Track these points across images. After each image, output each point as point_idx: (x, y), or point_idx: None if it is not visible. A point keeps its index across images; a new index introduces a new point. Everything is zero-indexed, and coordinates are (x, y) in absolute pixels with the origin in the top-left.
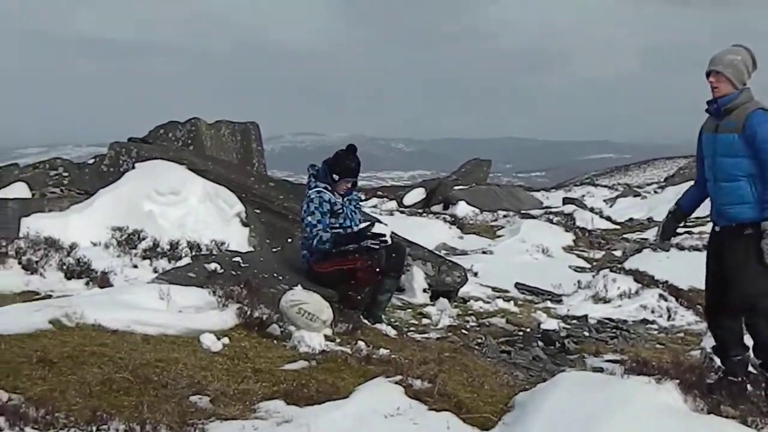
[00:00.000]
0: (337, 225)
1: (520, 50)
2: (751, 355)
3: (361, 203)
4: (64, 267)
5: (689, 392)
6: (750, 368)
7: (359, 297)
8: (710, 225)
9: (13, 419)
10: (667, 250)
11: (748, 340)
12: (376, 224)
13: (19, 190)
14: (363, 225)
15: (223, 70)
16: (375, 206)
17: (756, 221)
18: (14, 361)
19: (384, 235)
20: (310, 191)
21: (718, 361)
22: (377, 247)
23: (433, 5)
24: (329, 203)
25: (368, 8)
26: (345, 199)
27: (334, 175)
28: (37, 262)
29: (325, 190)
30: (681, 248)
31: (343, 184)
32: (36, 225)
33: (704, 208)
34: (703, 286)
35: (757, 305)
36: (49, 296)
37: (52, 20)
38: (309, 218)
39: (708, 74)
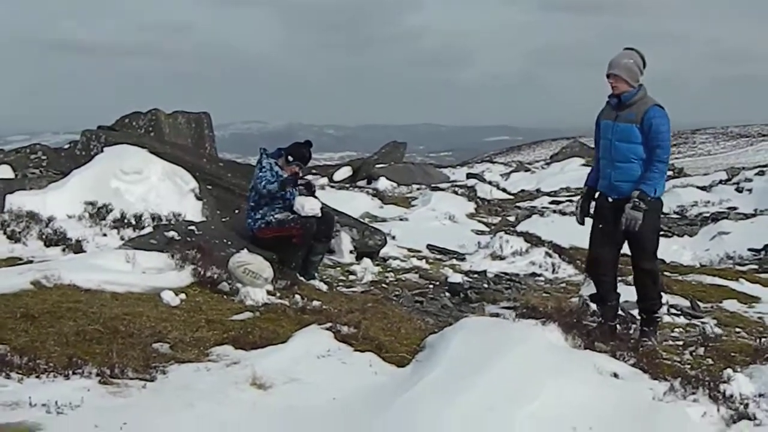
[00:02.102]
0: (280, 199)
1: (434, 50)
2: (621, 300)
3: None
4: (44, 236)
5: (569, 332)
6: (620, 312)
7: (296, 258)
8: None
9: (0, 366)
10: (583, 224)
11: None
12: (310, 197)
13: (4, 172)
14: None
15: (180, 68)
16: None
17: (647, 194)
18: (0, 316)
19: (312, 213)
20: (264, 162)
21: (593, 306)
22: (311, 216)
23: (362, 14)
24: (277, 174)
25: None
26: (290, 179)
27: (289, 157)
28: (20, 232)
29: (275, 165)
30: (563, 213)
31: (294, 167)
32: (19, 201)
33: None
34: (581, 245)
35: (650, 265)
36: (31, 261)
37: (34, 26)
38: (261, 173)
39: (608, 76)
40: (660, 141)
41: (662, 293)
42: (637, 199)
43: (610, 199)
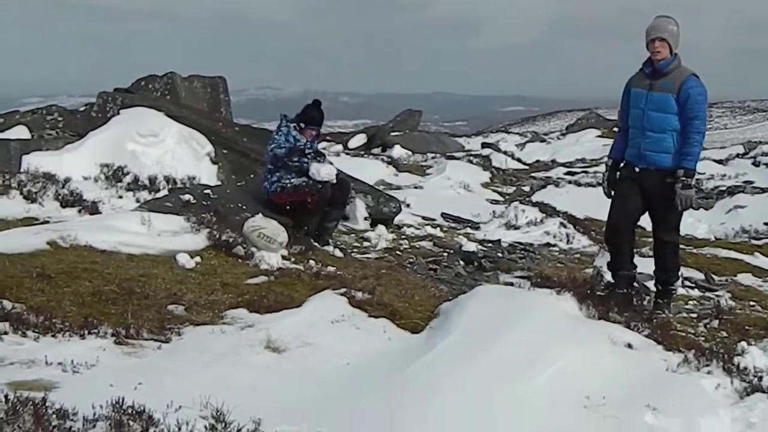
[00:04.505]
0: (298, 162)
1: (448, 17)
2: (637, 272)
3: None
4: (60, 197)
5: (583, 302)
6: (635, 283)
7: (311, 223)
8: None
9: (17, 325)
10: (610, 197)
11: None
12: (326, 163)
13: (20, 132)
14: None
15: (197, 33)
16: (324, 149)
17: (673, 169)
18: (17, 276)
19: (328, 179)
20: (282, 127)
21: (607, 276)
22: (326, 182)
23: None
24: (295, 138)
25: None
26: (309, 144)
27: (302, 124)
28: (36, 192)
29: (294, 129)
30: (578, 184)
31: (309, 131)
32: (35, 162)
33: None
34: (595, 216)
35: (672, 237)
36: (47, 222)
37: None
38: (276, 136)
39: (653, 40)
40: (698, 112)
41: (680, 266)
42: (684, 177)
43: (637, 169)
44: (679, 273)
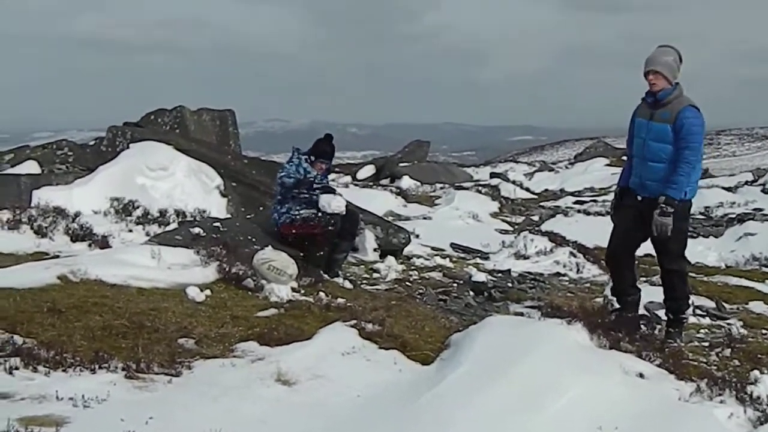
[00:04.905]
0: (308, 194)
1: (456, 47)
2: (642, 296)
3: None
4: (70, 231)
5: (594, 331)
6: (641, 309)
7: (320, 255)
8: (612, 195)
9: (28, 359)
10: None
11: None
12: (336, 195)
13: (30, 167)
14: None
15: (205, 66)
16: (333, 180)
17: (674, 198)
18: (28, 310)
19: (338, 211)
20: (293, 158)
21: (614, 302)
22: (336, 214)
23: (382, 12)
24: (305, 170)
25: (326, 16)
26: (320, 177)
27: (311, 157)
28: (46, 227)
29: (305, 161)
30: (587, 213)
31: (319, 164)
32: (45, 196)
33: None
34: (605, 245)
35: (677, 266)
36: (57, 256)
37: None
38: (287, 165)
39: (647, 73)
40: (689, 142)
41: (690, 294)
42: (664, 205)
43: (639, 197)
44: (690, 301)
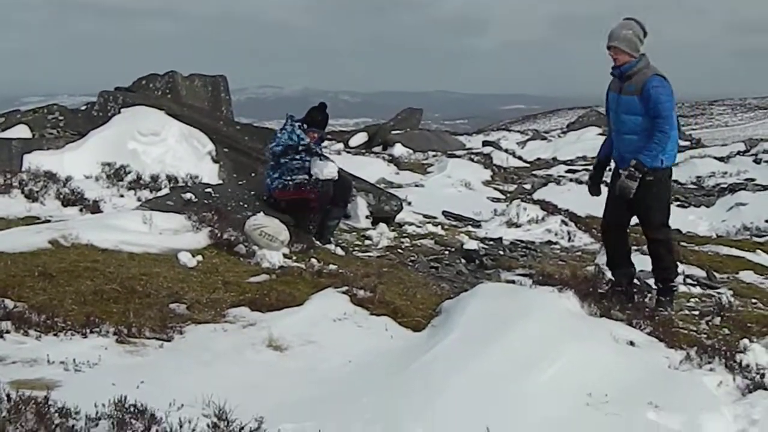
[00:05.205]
0: (300, 160)
1: (450, 17)
2: (636, 269)
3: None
4: (61, 196)
5: (585, 299)
6: (635, 281)
7: (312, 222)
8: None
9: (19, 323)
10: (599, 195)
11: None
12: (329, 162)
13: (21, 131)
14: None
15: (197, 32)
16: (325, 147)
17: (651, 168)
18: (19, 275)
19: (330, 177)
20: (287, 125)
21: (608, 274)
22: (328, 180)
23: None
24: (299, 137)
25: None
26: (313, 145)
27: (304, 125)
28: (37, 191)
29: (299, 128)
30: (579, 182)
31: (311, 133)
32: (36, 161)
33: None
34: (597, 214)
35: (661, 234)
36: (48, 221)
37: None
38: (278, 134)
39: (608, 48)
40: (660, 111)
41: (678, 262)
42: (632, 169)
43: (621, 171)
44: (678, 269)
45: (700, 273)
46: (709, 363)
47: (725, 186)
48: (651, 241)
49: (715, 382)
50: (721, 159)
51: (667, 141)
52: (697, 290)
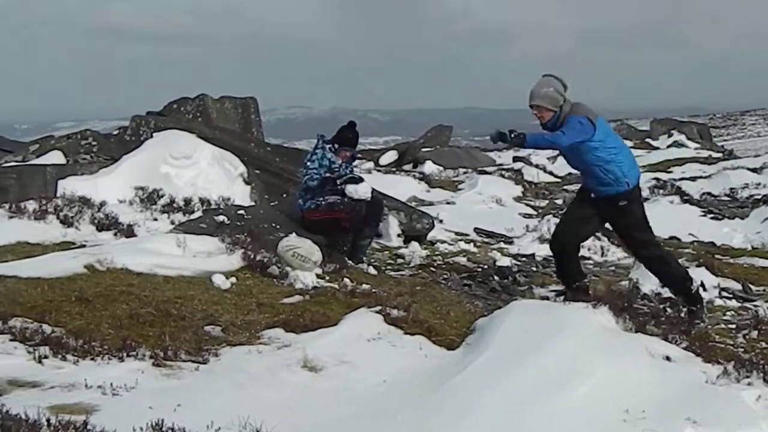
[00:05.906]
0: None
1: (476, 31)
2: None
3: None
4: (96, 221)
5: (620, 315)
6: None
7: (344, 242)
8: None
9: (56, 348)
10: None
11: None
12: (361, 182)
13: (55, 157)
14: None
15: (226, 54)
16: (356, 166)
17: (620, 194)
18: (56, 299)
19: (365, 197)
20: (317, 150)
21: (644, 288)
22: (361, 200)
23: None
24: (329, 161)
25: (348, 1)
26: (344, 165)
27: (335, 144)
28: (72, 217)
29: (329, 151)
30: None
31: (343, 152)
32: (70, 186)
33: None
34: None
35: (651, 251)
36: (84, 245)
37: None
38: (309, 163)
39: (530, 107)
40: (565, 129)
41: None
42: (517, 132)
43: (592, 195)
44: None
45: (736, 286)
46: (747, 377)
47: (759, 197)
48: (645, 260)
49: (754, 397)
50: (754, 170)
51: (547, 146)
52: (734, 303)
